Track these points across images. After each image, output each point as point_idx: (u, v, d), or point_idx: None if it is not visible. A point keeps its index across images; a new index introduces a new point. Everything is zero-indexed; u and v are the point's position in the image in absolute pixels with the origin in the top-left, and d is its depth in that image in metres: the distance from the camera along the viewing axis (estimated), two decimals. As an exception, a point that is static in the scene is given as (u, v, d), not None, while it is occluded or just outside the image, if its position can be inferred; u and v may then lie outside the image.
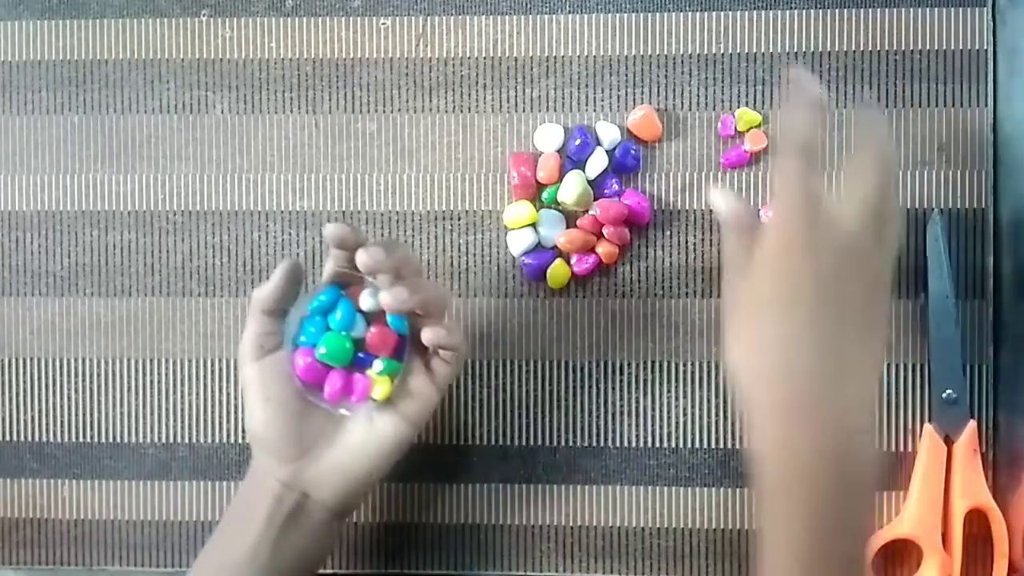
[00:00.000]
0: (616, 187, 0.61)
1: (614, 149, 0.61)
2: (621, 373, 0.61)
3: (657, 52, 0.62)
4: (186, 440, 0.63)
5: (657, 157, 0.61)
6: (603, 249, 0.60)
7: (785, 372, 0.48)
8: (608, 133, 0.61)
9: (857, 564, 0.49)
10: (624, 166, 0.61)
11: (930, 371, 0.60)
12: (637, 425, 0.61)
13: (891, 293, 0.53)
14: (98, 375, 0.63)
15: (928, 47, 0.61)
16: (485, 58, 0.62)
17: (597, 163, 0.60)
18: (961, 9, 0.61)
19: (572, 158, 0.61)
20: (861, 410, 0.49)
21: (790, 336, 0.48)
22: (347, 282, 0.53)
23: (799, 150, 0.48)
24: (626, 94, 0.62)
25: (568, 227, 0.61)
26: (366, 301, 0.52)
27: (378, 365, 0.52)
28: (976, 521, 0.59)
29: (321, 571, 0.62)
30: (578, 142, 0.60)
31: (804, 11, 0.61)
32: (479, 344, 0.62)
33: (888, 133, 0.59)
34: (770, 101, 0.61)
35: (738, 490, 0.61)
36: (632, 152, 0.61)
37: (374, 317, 0.52)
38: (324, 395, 0.52)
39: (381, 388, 0.52)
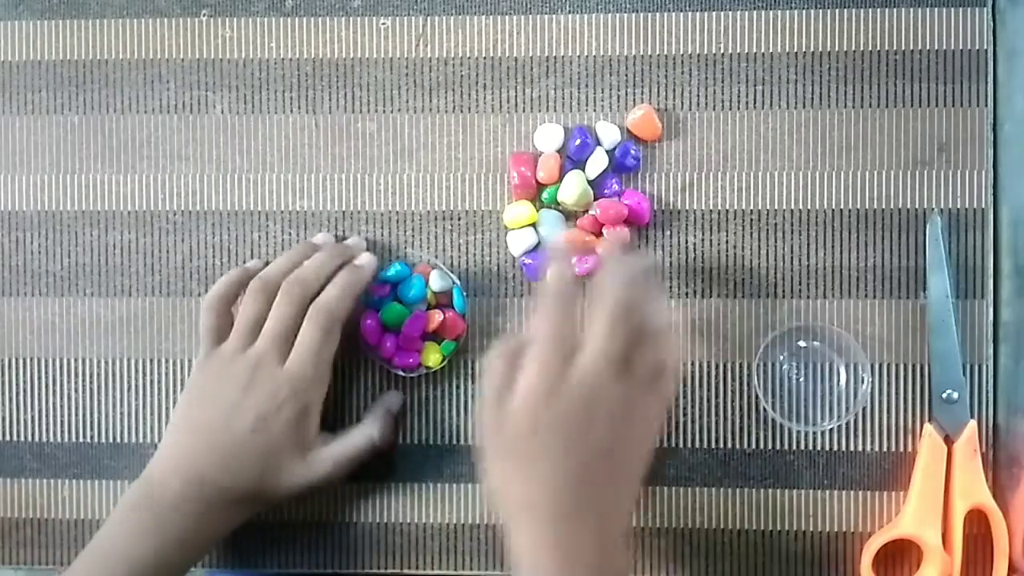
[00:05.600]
0: (616, 187, 0.61)
1: (614, 149, 0.61)
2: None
3: (657, 52, 0.62)
4: (186, 440, 0.63)
5: (657, 157, 0.61)
6: (603, 250, 0.60)
7: (530, 510, 0.50)
8: (608, 133, 0.61)
9: None
10: (624, 166, 0.61)
11: (930, 371, 0.60)
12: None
13: (654, 432, 0.54)
14: (98, 375, 0.63)
15: (928, 47, 0.61)
16: (485, 58, 0.62)
17: (597, 163, 0.60)
18: (961, 9, 0.61)
19: (572, 158, 0.61)
20: (607, 546, 0.50)
21: (533, 479, 0.50)
22: (413, 262, 0.61)
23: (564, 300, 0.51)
24: (626, 94, 0.62)
25: (568, 227, 0.61)
26: (436, 282, 0.60)
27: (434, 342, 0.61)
28: (976, 521, 0.59)
29: (321, 571, 0.62)
30: (578, 142, 0.60)
31: (804, 11, 0.61)
32: (479, 344, 0.62)
33: (629, 276, 0.53)
34: (770, 101, 0.61)
35: (738, 490, 0.61)
36: (632, 152, 0.61)
37: (440, 298, 0.61)
38: (382, 353, 0.60)
39: (433, 358, 0.60)
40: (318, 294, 0.57)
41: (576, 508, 0.49)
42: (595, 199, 0.61)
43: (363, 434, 0.58)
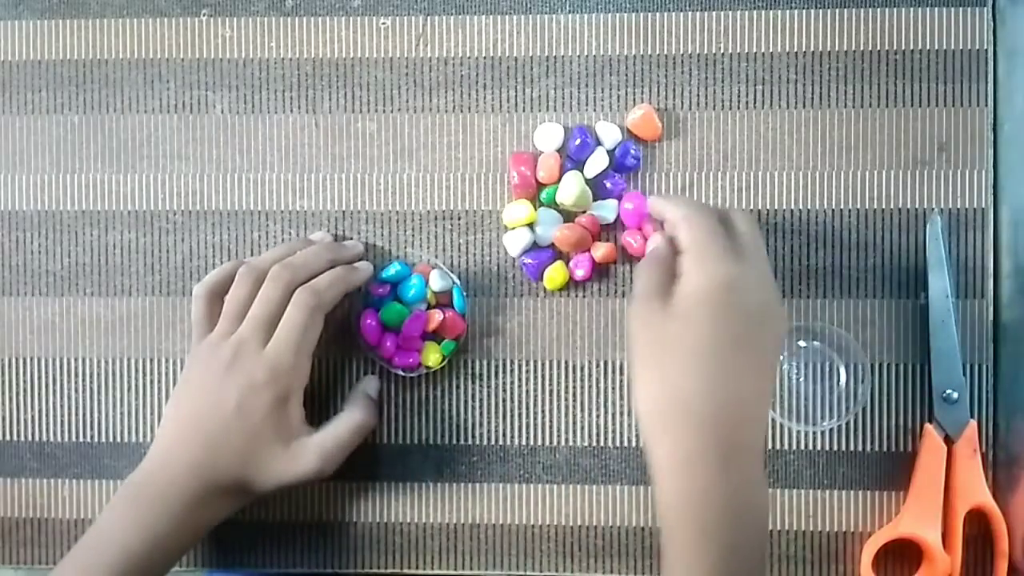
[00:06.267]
0: (617, 187, 0.61)
1: (614, 149, 0.61)
2: (621, 373, 0.61)
3: (657, 52, 0.62)
4: (186, 440, 0.63)
5: (657, 157, 0.61)
6: (599, 252, 0.60)
7: (695, 421, 0.50)
8: (608, 133, 0.61)
9: None
10: (624, 166, 0.61)
11: (930, 371, 0.60)
12: (636, 425, 0.61)
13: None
14: (98, 375, 0.63)
15: (928, 47, 0.61)
16: (485, 58, 0.62)
17: (597, 163, 0.60)
18: (961, 9, 0.61)
19: (572, 158, 0.61)
20: (759, 459, 0.51)
21: (703, 385, 0.50)
22: (413, 262, 0.61)
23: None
24: (626, 94, 0.62)
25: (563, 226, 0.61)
26: (436, 282, 0.60)
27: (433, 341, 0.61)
28: (976, 521, 0.59)
29: (321, 571, 0.62)
30: (578, 142, 0.60)
31: (804, 11, 0.61)
32: (479, 344, 0.62)
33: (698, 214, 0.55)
34: (770, 101, 0.61)
35: (738, 490, 0.61)
36: (632, 152, 0.61)
37: (440, 298, 0.61)
38: (382, 353, 0.60)
39: (433, 357, 0.60)
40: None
41: (724, 407, 0.50)
42: (595, 199, 0.61)
43: (346, 420, 0.58)
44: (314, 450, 0.56)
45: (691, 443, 0.50)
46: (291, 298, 0.56)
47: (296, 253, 0.58)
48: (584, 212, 0.61)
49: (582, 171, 0.61)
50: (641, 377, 0.52)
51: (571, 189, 0.59)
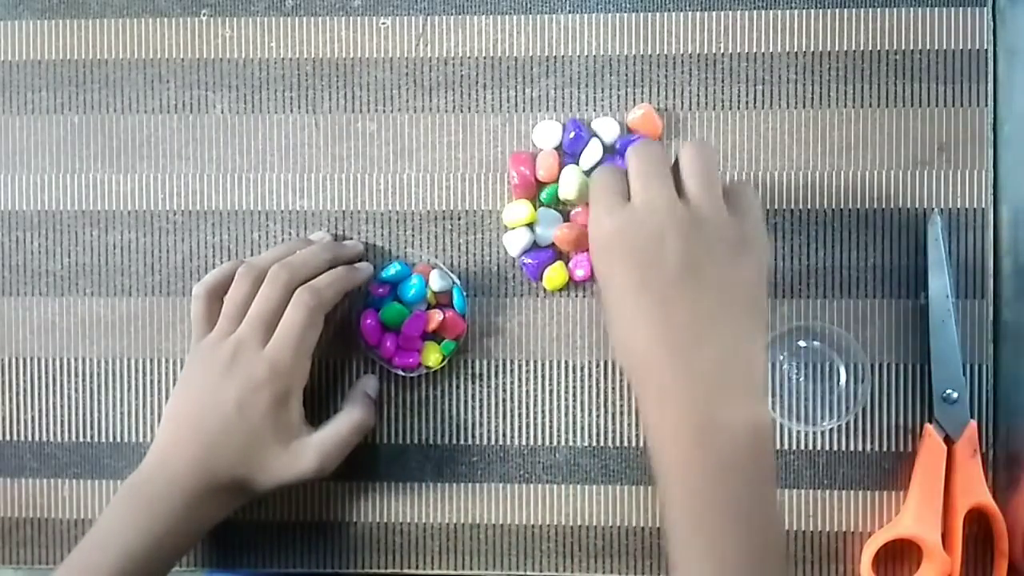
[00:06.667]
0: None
1: (615, 142, 0.61)
2: (621, 373, 0.61)
3: (657, 52, 0.62)
4: (186, 440, 0.63)
5: (657, 157, 0.61)
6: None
7: (653, 353, 0.51)
8: (608, 129, 0.61)
9: (768, 554, 0.50)
10: None
11: (930, 371, 0.60)
12: (636, 425, 0.61)
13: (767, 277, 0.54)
14: (98, 375, 0.63)
15: (928, 47, 0.61)
16: (485, 58, 0.62)
17: (592, 155, 0.60)
18: (961, 9, 0.61)
19: (568, 152, 0.61)
20: (740, 386, 0.51)
21: (652, 313, 0.51)
22: (413, 262, 0.61)
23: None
24: (626, 94, 0.62)
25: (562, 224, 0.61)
26: (436, 282, 0.60)
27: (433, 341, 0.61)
28: (976, 521, 0.59)
29: (321, 571, 0.62)
30: (572, 135, 0.60)
31: (804, 11, 0.61)
32: (479, 344, 0.62)
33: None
34: (770, 101, 0.61)
35: (738, 490, 0.61)
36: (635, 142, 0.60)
37: (440, 298, 0.61)
38: (382, 353, 0.60)
39: (433, 357, 0.60)
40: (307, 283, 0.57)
41: (697, 338, 0.50)
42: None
43: (345, 419, 0.58)
44: (314, 449, 0.56)
45: (654, 374, 0.51)
46: (291, 298, 0.56)
47: (296, 253, 0.58)
48: (587, 205, 0.61)
49: (578, 164, 0.61)
50: (609, 309, 0.53)
51: (572, 183, 0.59)
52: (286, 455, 0.56)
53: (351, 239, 0.62)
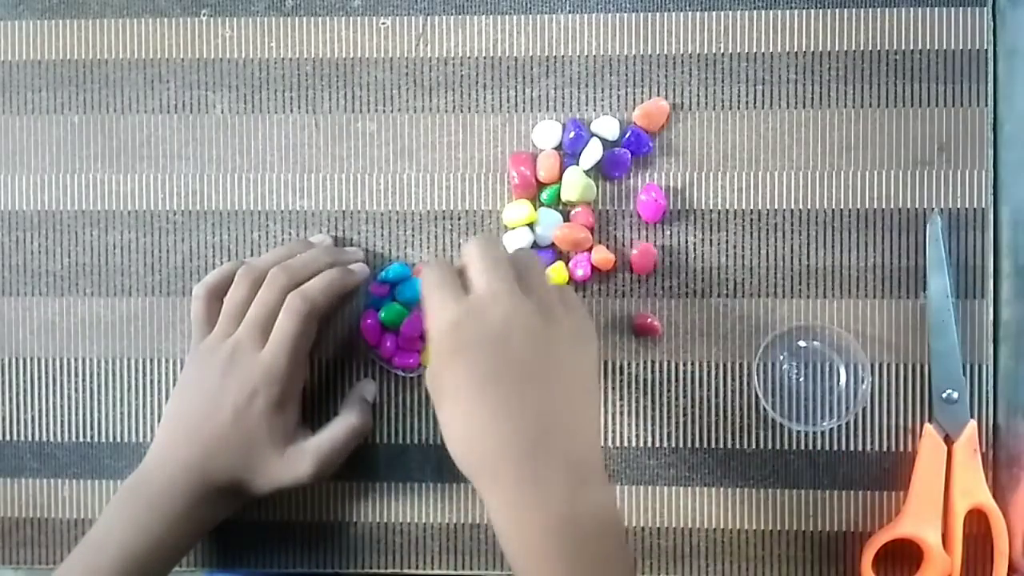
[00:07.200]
0: (624, 173, 0.61)
1: (619, 138, 0.61)
2: (621, 373, 0.61)
3: (657, 52, 0.62)
4: (186, 440, 0.63)
5: (657, 157, 0.61)
6: (597, 256, 0.60)
7: (503, 456, 0.49)
8: (609, 127, 0.61)
9: None
10: (638, 151, 0.61)
11: (930, 371, 0.60)
12: (637, 425, 0.61)
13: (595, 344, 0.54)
14: (98, 375, 0.63)
15: (928, 47, 0.61)
16: (485, 58, 0.62)
17: (591, 154, 0.60)
18: (961, 9, 0.61)
19: (568, 152, 0.61)
20: (589, 477, 0.49)
21: (499, 411, 0.49)
22: (413, 262, 0.61)
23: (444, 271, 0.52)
24: (626, 93, 0.62)
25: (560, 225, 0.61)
26: None
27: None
28: (976, 521, 0.59)
29: (321, 571, 0.62)
30: (572, 135, 0.60)
31: (804, 11, 0.61)
32: (479, 344, 0.62)
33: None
34: (770, 101, 0.61)
35: (738, 490, 0.61)
36: (642, 136, 0.60)
37: None
38: (382, 353, 0.60)
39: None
40: None
41: (536, 442, 0.48)
42: (598, 186, 0.61)
43: (342, 425, 0.58)
44: (310, 455, 0.56)
45: (487, 473, 0.49)
46: None
47: (296, 256, 0.58)
48: (588, 205, 0.61)
49: (578, 164, 0.61)
50: (442, 410, 0.51)
51: (574, 185, 0.59)
52: (283, 460, 0.56)
53: (351, 240, 0.62)
